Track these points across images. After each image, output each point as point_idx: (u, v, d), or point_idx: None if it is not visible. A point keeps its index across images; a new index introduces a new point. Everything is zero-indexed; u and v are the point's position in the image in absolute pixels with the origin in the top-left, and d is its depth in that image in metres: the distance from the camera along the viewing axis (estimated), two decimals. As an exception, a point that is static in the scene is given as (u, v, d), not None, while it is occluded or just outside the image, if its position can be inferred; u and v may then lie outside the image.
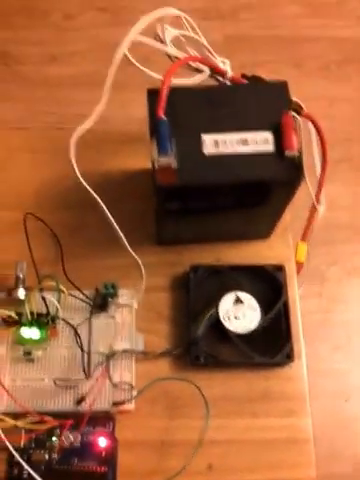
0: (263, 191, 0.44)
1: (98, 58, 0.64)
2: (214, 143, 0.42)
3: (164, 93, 0.41)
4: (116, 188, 0.57)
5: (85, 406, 0.47)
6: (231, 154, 0.42)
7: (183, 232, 0.52)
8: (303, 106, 0.46)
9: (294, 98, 0.44)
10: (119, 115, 0.61)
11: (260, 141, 0.42)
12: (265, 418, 0.49)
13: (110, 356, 0.48)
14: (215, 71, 0.48)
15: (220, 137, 0.42)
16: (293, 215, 0.55)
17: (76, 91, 0.61)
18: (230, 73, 0.48)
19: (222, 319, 0.49)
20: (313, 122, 0.46)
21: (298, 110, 0.45)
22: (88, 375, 0.47)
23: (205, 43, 0.47)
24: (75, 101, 0.61)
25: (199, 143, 0.42)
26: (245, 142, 0.42)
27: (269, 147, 0.42)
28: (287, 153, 0.42)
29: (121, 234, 0.46)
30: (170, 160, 0.40)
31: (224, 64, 0.49)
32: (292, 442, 0.48)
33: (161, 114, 0.41)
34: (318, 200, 0.50)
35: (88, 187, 0.43)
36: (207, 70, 0.47)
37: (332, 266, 1.03)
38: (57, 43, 0.67)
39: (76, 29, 0.68)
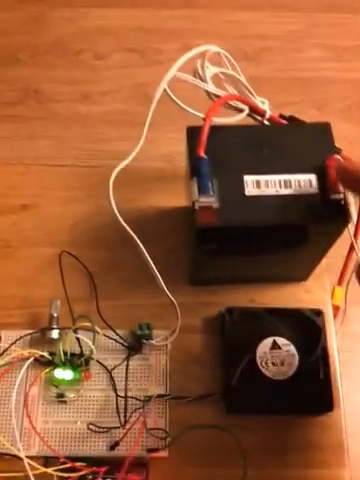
0: (305, 234, 0.43)
1: (127, 97, 0.64)
2: (256, 184, 0.41)
3: (205, 131, 0.41)
4: (150, 226, 0.57)
5: (118, 452, 0.46)
6: (273, 195, 0.41)
7: (218, 273, 0.52)
8: (341, 148, 0.46)
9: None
10: (151, 153, 0.61)
11: (304, 183, 0.42)
12: (303, 469, 0.47)
13: (146, 402, 0.46)
14: (254, 111, 0.48)
15: (262, 178, 0.42)
16: (330, 256, 0.54)
17: (107, 129, 0.62)
18: (269, 113, 0.48)
19: (259, 365, 0.48)
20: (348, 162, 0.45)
21: (338, 152, 0.44)
22: (125, 422, 0.46)
23: (244, 82, 0.47)
24: (106, 139, 0.61)
25: (240, 183, 0.42)
26: (288, 184, 0.42)
27: (313, 190, 0.42)
28: (332, 196, 0.41)
29: (157, 273, 0.45)
30: (211, 200, 0.40)
31: (263, 104, 0.49)
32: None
33: (202, 153, 0.41)
34: (357, 243, 0.49)
35: (125, 224, 0.43)
36: (246, 109, 0.47)
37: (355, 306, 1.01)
38: (88, 82, 0.68)
39: (106, 68, 0.69)
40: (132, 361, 0.49)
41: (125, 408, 0.47)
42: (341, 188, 0.41)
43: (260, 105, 0.48)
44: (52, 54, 0.68)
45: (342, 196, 0.41)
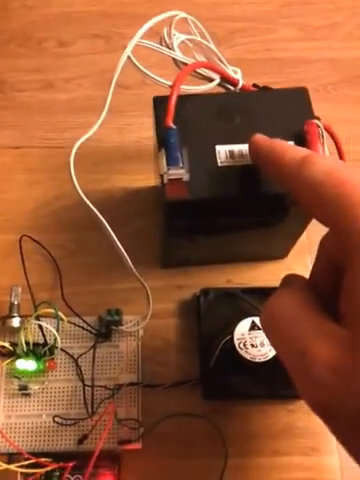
0: (283, 205, 0.40)
1: (93, 83, 0.62)
2: (229, 154, 0.38)
3: (173, 99, 0.37)
4: (118, 208, 0.53)
5: (88, 445, 0.42)
6: (248, 165, 0.38)
7: (191, 253, 0.48)
8: (320, 118, 0.43)
9: (317, 121, 0.40)
10: (117, 134, 0.58)
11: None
12: (288, 456, 0.44)
13: (115, 390, 0.43)
14: (226, 80, 0.44)
15: (236, 147, 0.38)
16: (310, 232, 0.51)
17: (73, 116, 0.58)
18: (242, 83, 0.45)
19: (237, 347, 0.44)
20: (331, 135, 0.42)
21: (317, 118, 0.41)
22: (92, 412, 0.42)
23: (215, 49, 0.44)
24: (72, 125, 0.57)
25: (212, 154, 0.38)
26: (264, 152, 0.38)
27: (289, 156, 0.38)
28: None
29: (126, 256, 0.42)
30: (181, 172, 0.36)
31: (236, 73, 0.45)
32: (318, 483, 0.43)
33: (170, 123, 0.37)
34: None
35: (90, 204, 0.39)
36: (217, 78, 0.44)
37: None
38: (53, 70, 0.64)
39: (71, 56, 0.66)
40: (101, 349, 0.46)
41: (92, 398, 0.43)
42: (323, 154, 0.38)
43: (232, 74, 0.45)
44: (14, 43, 0.65)
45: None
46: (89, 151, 0.57)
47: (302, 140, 0.38)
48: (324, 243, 0.30)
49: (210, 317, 0.47)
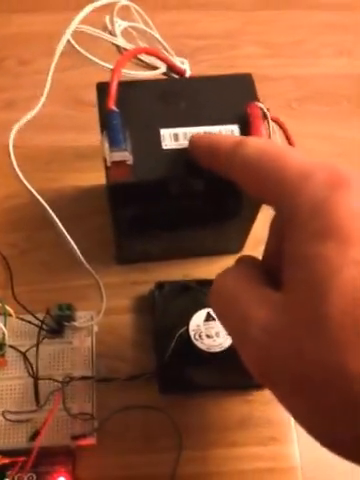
0: (229, 190, 0.40)
1: (56, 101, 0.61)
2: (173, 137, 0.38)
3: (114, 82, 0.37)
4: (70, 206, 0.53)
5: (41, 442, 0.41)
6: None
7: (146, 248, 0.48)
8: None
9: (260, 104, 0.40)
10: (68, 131, 0.58)
11: (225, 134, 0.38)
12: (245, 447, 0.43)
13: (65, 383, 0.42)
14: (172, 70, 0.44)
15: (180, 130, 0.38)
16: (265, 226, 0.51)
17: (36, 134, 0.58)
18: (189, 73, 0.45)
19: (193, 338, 0.44)
20: (279, 125, 0.43)
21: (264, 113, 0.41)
22: (38, 403, 0.41)
23: (160, 39, 0.44)
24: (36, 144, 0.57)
25: (156, 138, 0.38)
26: (209, 135, 0.38)
27: (235, 140, 0.38)
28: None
29: (78, 251, 0.41)
30: (124, 155, 0.36)
31: (182, 64, 0.46)
32: (277, 472, 0.43)
33: (112, 105, 0.37)
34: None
35: (42, 201, 0.39)
36: (163, 67, 0.44)
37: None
38: (13, 88, 0.64)
39: (31, 74, 0.65)
40: (53, 345, 0.45)
41: (36, 389, 0.42)
42: (264, 135, 0.38)
43: (178, 64, 0.45)
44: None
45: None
46: (41, 150, 0.57)
47: (245, 123, 0.38)
48: (272, 223, 0.31)
49: (165, 310, 0.46)
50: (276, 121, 0.42)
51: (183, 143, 0.38)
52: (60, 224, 0.39)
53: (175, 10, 0.72)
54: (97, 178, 0.52)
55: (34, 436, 0.41)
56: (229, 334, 0.29)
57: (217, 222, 0.45)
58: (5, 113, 0.61)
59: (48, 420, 0.41)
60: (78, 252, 0.41)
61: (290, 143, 0.43)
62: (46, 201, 0.38)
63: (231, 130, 0.39)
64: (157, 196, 0.39)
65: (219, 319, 0.30)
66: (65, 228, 0.40)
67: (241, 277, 0.29)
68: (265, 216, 0.49)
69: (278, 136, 0.42)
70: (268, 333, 0.24)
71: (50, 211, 0.39)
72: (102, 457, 0.42)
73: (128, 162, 0.36)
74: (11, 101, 0.62)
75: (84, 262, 0.42)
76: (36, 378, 0.42)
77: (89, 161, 0.56)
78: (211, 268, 0.50)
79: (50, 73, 0.39)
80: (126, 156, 0.36)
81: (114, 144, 0.36)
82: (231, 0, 0.74)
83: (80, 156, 0.57)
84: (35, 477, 0.40)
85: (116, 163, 0.36)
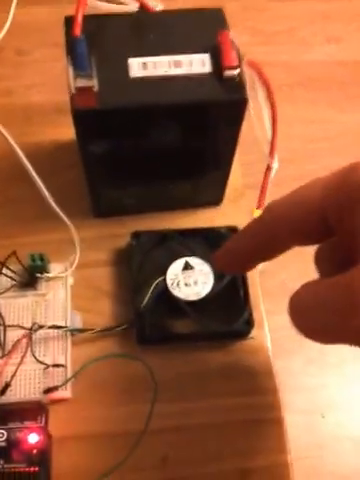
0: (202, 123, 0.38)
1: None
2: (142, 66, 0.36)
3: (80, 9, 0.36)
4: (48, 160, 0.51)
5: (11, 397, 0.40)
6: (162, 76, 0.36)
7: (122, 199, 0.46)
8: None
9: (231, 34, 0.38)
10: (46, 85, 0.56)
11: (195, 63, 0.37)
12: (226, 398, 0.41)
13: (33, 330, 0.40)
14: (144, 9, 0.42)
15: (149, 59, 0.37)
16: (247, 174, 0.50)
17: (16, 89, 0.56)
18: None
19: (170, 287, 0.42)
20: (256, 69, 0.41)
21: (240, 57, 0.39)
22: (3, 350, 0.39)
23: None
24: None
25: (124, 67, 0.36)
26: (178, 64, 0.37)
27: (206, 69, 0.37)
28: (227, 73, 0.36)
29: (52, 202, 0.40)
30: (89, 81, 0.34)
31: (155, 7, 0.43)
32: (259, 424, 0.41)
33: (77, 32, 0.35)
34: (272, 155, 0.45)
35: (19, 151, 0.37)
36: (134, 5, 0.42)
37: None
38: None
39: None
40: (27, 298, 0.43)
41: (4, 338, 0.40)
42: (235, 62, 0.36)
43: (151, 5, 0.43)
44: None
45: (237, 73, 0.36)
46: (20, 106, 0.55)
47: (216, 52, 0.37)
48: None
49: (143, 261, 0.44)
50: (252, 64, 0.40)
51: (152, 71, 0.36)
52: (36, 175, 0.38)
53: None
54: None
55: (3, 390, 0.39)
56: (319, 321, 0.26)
57: (191, 168, 0.43)
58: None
59: (17, 370, 0.39)
60: (52, 203, 0.40)
61: (268, 89, 0.41)
62: (24, 154, 0.37)
63: (201, 59, 0.37)
64: (126, 129, 0.37)
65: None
66: (42, 182, 0.38)
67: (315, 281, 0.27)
68: (243, 166, 0.48)
69: (257, 84, 0.40)
70: None
71: (25, 161, 0.37)
72: (76, 412, 0.40)
73: (94, 89, 0.34)
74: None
75: (59, 212, 0.41)
76: (4, 325, 0.40)
77: (67, 115, 0.54)
78: (190, 220, 0.48)
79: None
80: (91, 82, 0.34)
81: (78, 69, 0.34)
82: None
83: (60, 110, 0.55)
84: (5, 434, 0.38)
85: (81, 90, 0.34)
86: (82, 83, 0.34)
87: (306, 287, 0.26)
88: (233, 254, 0.32)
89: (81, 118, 0.35)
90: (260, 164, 0.46)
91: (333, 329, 0.24)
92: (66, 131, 0.52)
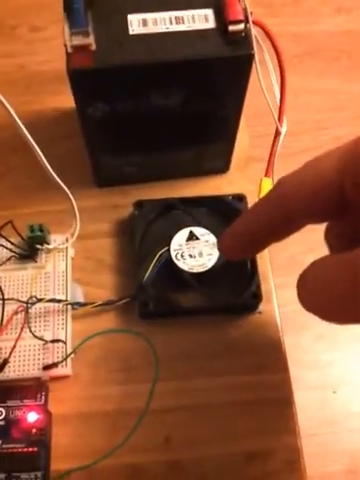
0: (206, 83, 0.35)
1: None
2: (142, 22, 0.34)
3: None
4: (49, 128, 0.49)
5: (11, 374, 0.38)
6: (163, 33, 0.34)
7: (124, 167, 0.44)
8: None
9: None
10: (47, 53, 0.54)
11: (198, 18, 0.34)
12: (232, 376, 0.39)
13: (30, 303, 0.38)
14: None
15: (149, 16, 0.34)
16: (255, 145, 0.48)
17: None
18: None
19: (174, 258, 0.40)
20: (264, 29, 0.38)
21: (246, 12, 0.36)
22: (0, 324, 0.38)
23: None
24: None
25: (123, 24, 0.34)
26: (180, 20, 0.34)
27: (209, 24, 0.34)
28: (231, 28, 0.33)
29: (52, 173, 0.37)
30: (86, 39, 0.32)
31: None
32: (267, 403, 0.39)
33: (74, -13, 0.33)
34: (281, 119, 0.42)
35: (19, 121, 0.35)
36: None
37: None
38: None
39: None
40: (26, 271, 0.41)
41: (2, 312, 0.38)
42: (241, 16, 0.33)
43: None
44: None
45: (242, 27, 0.34)
46: (21, 74, 0.53)
47: (220, 7, 0.34)
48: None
49: (146, 231, 0.42)
50: (259, 24, 0.37)
51: (152, 28, 0.33)
52: (35, 145, 0.36)
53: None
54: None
55: (1, 367, 0.38)
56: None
57: (195, 133, 0.41)
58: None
59: (15, 346, 0.37)
60: (52, 172, 0.38)
61: (276, 50, 0.39)
62: (23, 123, 0.34)
63: (204, 14, 0.34)
64: (125, 91, 0.34)
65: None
66: (42, 151, 0.36)
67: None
68: (250, 138, 0.46)
69: (260, 41, 0.38)
70: None
71: (24, 130, 0.35)
72: (77, 390, 0.39)
73: (91, 47, 0.32)
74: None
75: (59, 181, 0.38)
76: (2, 299, 0.38)
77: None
78: (195, 189, 0.46)
79: None
80: (88, 40, 0.32)
81: (75, 25, 0.32)
82: None
83: (60, 78, 0.53)
84: (3, 413, 0.37)
85: (77, 48, 0.32)
86: (78, 41, 0.32)
87: (313, 265, 0.24)
88: (241, 236, 0.29)
89: (78, 78, 0.33)
90: (268, 138, 0.43)
91: (339, 308, 0.23)
92: (67, 99, 0.50)
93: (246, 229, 0.28)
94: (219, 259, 0.40)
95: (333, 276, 0.23)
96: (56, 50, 0.52)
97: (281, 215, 0.26)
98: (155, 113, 0.37)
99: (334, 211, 0.25)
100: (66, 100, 0.50)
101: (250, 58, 0.33)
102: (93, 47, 0.32)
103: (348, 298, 0.22)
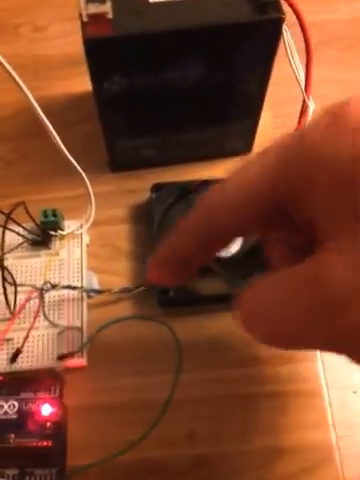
0: (230, 51, 0.33)
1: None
2: (163, -11, 0.32)
3: None
4: (62, 113, 0.47)
5: (24, 364, 0.36)
6: (184, 0, 0.31)
7: (140, 149, 0.42)
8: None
9: None
10: (57, 39, 0.54)
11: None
12: (259, 367, 0.37)
13: (45, 290, 0.36)
14: None
15: (170, -17, 0.32)
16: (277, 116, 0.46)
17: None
18: None
19: (195, 244, 0.38)
20: (291, 5, 0.36)
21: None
22: (13, 311, 0.36)
23: None
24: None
25: (143, -9, 0.32)
26: (203, -13, 0.32)
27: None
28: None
29: (69, 156, 0.35)
30: (102, 6, 0.30)
31: None
32: (297, 395, 0.36)
33: None
34: (308, 93, 0.40)
35: (38, 107, 0.33)
36: None
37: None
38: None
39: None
40: (40, 258, 0.40)
41: (7, 298, 0.36)
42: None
43: None
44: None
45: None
46: (30, 60, 0.51)
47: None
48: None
49: (164, 216, 0.40)
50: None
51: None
52: (52, 128, 0.34)
53: None
54: (89, 83, 0.46)
55: (14, 357, 0.36)
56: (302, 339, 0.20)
57: (218, 111, 0.39)
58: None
59: (28, 335, 0.35)
60: (69, 156, 0.36)
61: (302, 25, 0.36)
62: (39, 107, 0.33)
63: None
64: (144, 62, 0.32)
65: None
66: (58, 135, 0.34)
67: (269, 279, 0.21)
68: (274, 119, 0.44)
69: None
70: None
71: (41, 113, 0.33)
72: (93, 381, 0.37)
73: (107, 15, 0.30)
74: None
75: (75, 164, 0.36)
76: (15, 285, 0.36)
77: (79, 67, 0.50)
78: (217, 171, 0.44)
79: None
80: (105, 8, 0.30)
81: (91, -5, 0.30)
82: None
83: (69, 62, 0.51)
84: (16, 406, 0.35)
85: (93, 17, 0.30)
86: (94, 9, 0.30)
87: (251, 287, 0.21)
88: (168, 263, 0.25)
89: (94, 49, 0.31)
90: (289, 117, 0.41)
91: (277, 333, 0.20)
92: (77, 83, 0.48)
93: (173, 256, 0.25)
94: (243, 245, 0.38)
95: (270, 299, 0.20)
96: (58, 49, 0.51)
97: (207, 235, 0.23)
98: (175, 88, 0.35)
99: (272, 222, 0.22)
100: (76, 85, 0.49)
101: (280, 22, 0.31)
102: (110, 15, 0.30)
103: (285, 324, 0.19)
